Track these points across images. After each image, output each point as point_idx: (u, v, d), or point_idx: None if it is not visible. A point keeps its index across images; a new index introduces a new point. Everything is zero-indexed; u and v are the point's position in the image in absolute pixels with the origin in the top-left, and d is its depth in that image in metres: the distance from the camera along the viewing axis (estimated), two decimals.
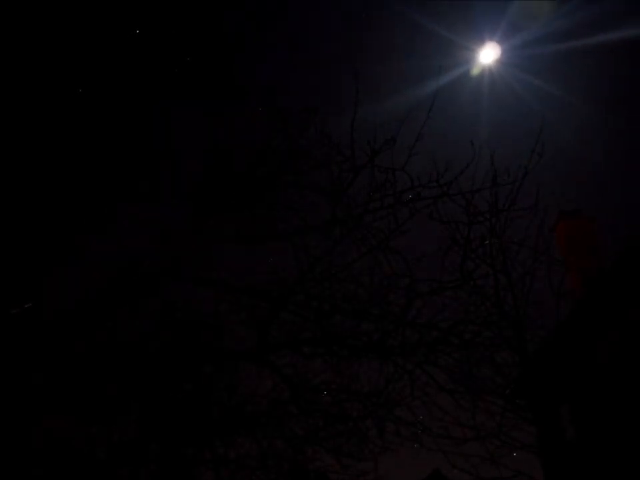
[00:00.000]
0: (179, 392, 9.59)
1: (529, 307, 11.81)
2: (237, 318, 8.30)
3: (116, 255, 7.96)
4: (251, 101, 8.40)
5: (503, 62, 8.79)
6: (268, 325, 7.94)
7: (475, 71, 8.69)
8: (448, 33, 8.52)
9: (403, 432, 8.53)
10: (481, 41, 8.66)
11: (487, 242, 10.37)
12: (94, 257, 8.15)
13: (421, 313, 7.84)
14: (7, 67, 6.94)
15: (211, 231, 8.23)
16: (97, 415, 8.68)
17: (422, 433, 8.57)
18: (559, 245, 13.91)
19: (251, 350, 8.20)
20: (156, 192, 8.80)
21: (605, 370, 11.09)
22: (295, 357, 8.46)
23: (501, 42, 8.72)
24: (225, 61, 8.40)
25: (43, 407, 7.94)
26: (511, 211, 8.57)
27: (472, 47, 8.57)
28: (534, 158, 7.68)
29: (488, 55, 8.81)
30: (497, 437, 11.27)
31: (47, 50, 7.17)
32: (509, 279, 11.81)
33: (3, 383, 6.90)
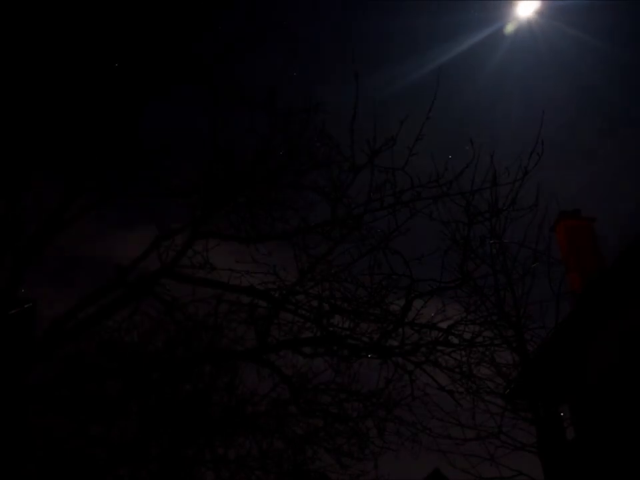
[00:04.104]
0: (178, 392, 9.59)
1: (528, 306, 11.83)
2: (237, 318, 8.29)
3: (115, 255, 7.96)
4: (251, 100, 8.40)
5: (542, 14, 7.73)
6: (268, 324, 7.93)
7: (510, 27, 7.84)
8: None
9: (403, 432, 8.53)
10: None
11: (488, 242, 10.38)
12: (92, 257, 8.15)
13: (421, 313, 7.82)
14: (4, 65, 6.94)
15: (211, 231, 8.23)
16: (96, 414, 8.68)
17: (422, 433, 8.57)
18: (559, 245, 13.93)
19: (251, 350, 8.18)
20: (156, 191, 8.81)
21: (605, 370, 11.09)
22: (295, 356, 8.46)
23: None
24: (224, 60, 8.41)
25: (42, 406, 7.94)
26: (511, 211, 8.55)
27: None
28: (533, 158, 7.59)
29: (526, 7, 7.79)
30: (496, 437, 11.30)
31: (44, 47, 7.17)
32: (509, 278, 11.83)
33: (3, 383, 6.90)
